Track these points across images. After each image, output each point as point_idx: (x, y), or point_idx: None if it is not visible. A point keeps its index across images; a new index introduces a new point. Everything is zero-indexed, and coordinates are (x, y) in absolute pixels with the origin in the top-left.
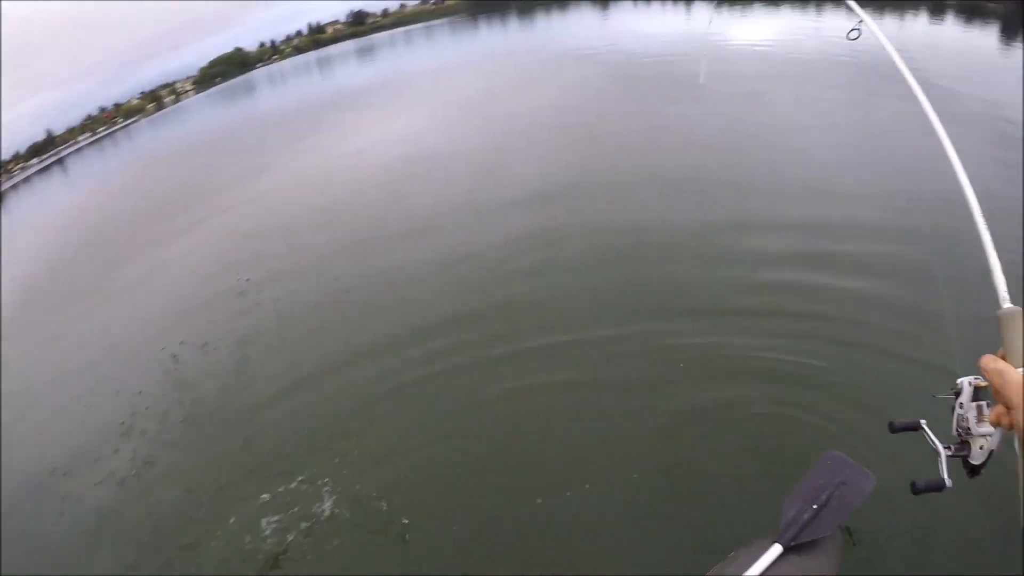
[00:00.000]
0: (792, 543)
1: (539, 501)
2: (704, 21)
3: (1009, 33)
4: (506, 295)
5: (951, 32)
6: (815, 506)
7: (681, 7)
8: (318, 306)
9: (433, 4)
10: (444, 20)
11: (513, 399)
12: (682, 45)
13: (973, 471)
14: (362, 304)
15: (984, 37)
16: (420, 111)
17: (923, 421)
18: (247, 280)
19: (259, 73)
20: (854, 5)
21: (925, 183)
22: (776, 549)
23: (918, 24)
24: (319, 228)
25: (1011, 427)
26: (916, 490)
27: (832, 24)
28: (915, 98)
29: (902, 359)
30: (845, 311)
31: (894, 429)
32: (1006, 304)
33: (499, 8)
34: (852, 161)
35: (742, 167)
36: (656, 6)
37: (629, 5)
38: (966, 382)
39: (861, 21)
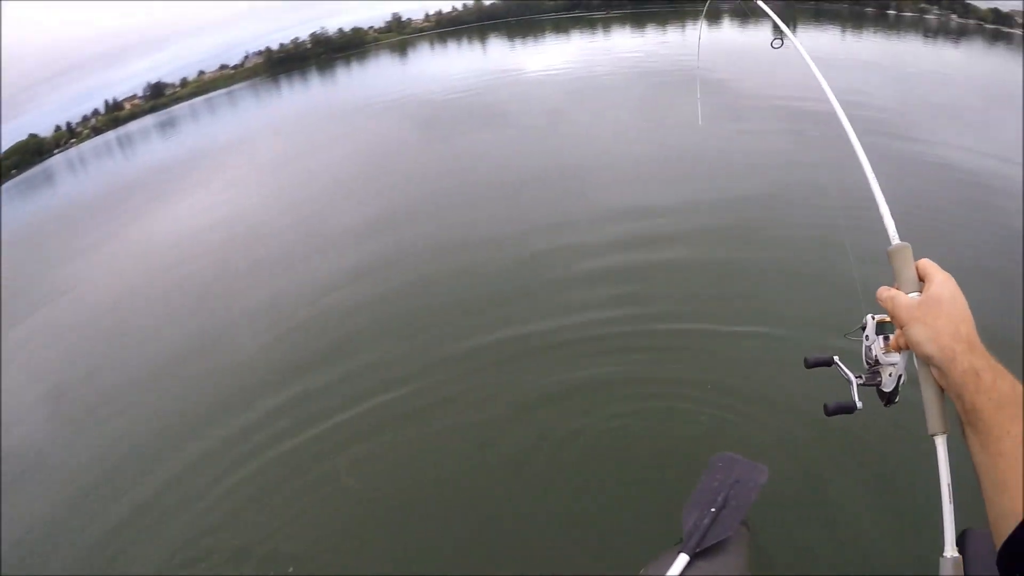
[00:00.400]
0: (697, 550)
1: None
2: (691, 51)
3: (779, 31)
4: (339, 336)
5: (728, 35)
6: (713, 510)
7: (477, 45)
8: (144, 393)
9: (232, 68)
10: (244, 84)
11: (373, 437)
12: (480, 80)
13: (888, 400)
14: (195, 378)
15: (758, 34)
16: (234, 176)
17: (835, 356)
18: (57, 391)
19: (57, 160)
20: (777, 20)
21: (759, 162)
22: (683, 559)
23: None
24: (137, 313)
25: (907, 346)
26: (828, 411)
27: (621, 43)
28: (711, 93)
29: (775, 322)
30: (707, 288)
31: (809, 364)
32: (895, 241)
33: (298, 66)
34: (665, 155)
35: (558, 175)
36: (452, 46)
37: (426, 49)
38: (870, 317)
39: (782, 33)
